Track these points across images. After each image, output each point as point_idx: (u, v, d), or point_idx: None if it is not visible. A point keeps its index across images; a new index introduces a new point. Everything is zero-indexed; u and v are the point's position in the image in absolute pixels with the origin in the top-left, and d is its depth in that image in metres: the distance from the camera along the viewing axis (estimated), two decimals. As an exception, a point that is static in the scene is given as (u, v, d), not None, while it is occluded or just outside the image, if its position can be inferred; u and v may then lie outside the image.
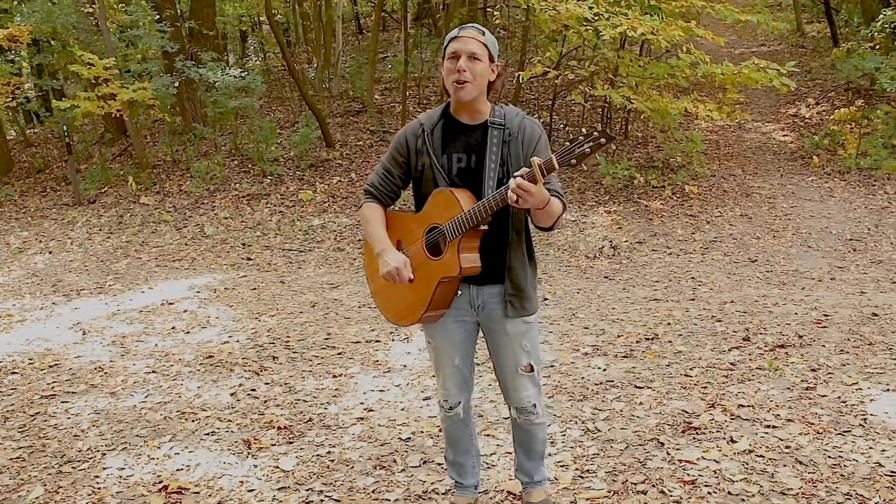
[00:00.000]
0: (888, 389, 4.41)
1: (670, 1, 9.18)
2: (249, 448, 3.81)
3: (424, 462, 3.63)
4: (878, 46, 14.54)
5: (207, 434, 3.99)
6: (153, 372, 4.98)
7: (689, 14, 10.57)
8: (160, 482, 3.49)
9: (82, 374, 5.01)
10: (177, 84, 11.39)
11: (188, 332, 5.90)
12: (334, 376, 4.82)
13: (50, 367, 5.21)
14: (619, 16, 8.68)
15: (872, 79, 13.40)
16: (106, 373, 5.02)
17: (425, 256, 2.72)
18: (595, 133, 2.34)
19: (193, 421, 4.17)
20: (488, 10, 17.40)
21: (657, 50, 14.04)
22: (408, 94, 14.15)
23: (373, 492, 3.37)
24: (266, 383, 4.72)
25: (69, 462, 3.75)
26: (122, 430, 4.11)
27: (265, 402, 4.42)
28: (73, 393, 4.68)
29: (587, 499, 3.27)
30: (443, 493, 3.34)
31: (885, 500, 3.25)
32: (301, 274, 8.21)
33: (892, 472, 3.50)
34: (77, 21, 12.30)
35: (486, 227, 2.66)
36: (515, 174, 2.41)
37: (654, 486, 3.38)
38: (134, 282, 7.81)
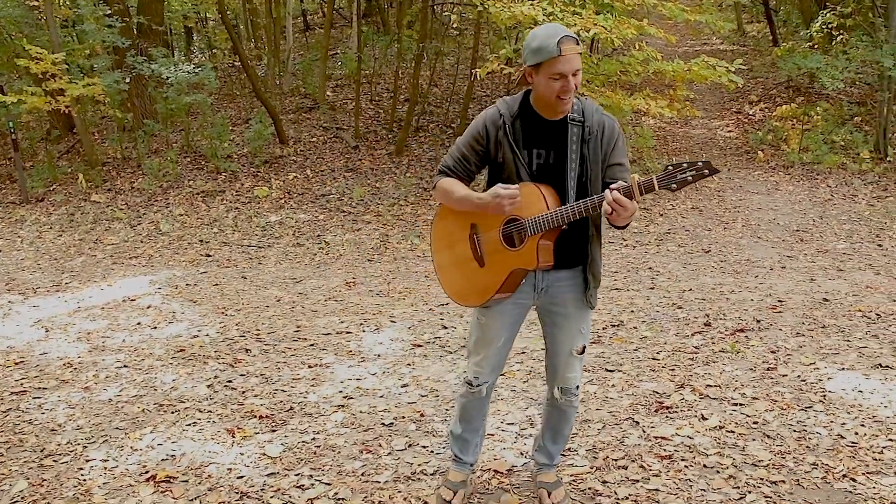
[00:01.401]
0: (843, 368, 4.64)
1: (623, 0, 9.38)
2: (233, 437, 3.84)
3: (410, 445, 3.71)
4: (816, 46, 15.07)
5: (189, 425, 4.00)
6: (125, 366, 4.94)
7: (640, 13, 10.83)
8: (146, 472, 3.50)
9: (51, 371, 4.94)
10: (127, 80, 11.20)
11: (155, 328, 5.86)
12: (309, 366, 4.86)
13: (16, 363, 5.12)
14: (573, 16, 8.84)
15: (812, 77, 13.89)
16: (76, 368, 4.96)
17: (501, 245, 2.77)
18: (700, 163, 2.39)
19: (173, 412, 4.17)
20: (436, 5, 17.49)
21: (606, 48, 14.32)
22: (360, 90, 14.15)
23: (362, 474, 3.43)
24: (242, 375, 4.73)
25: (49, 456, 3.72)
26: (100, 423, 4.08)
27: (243, 392, 4.44)
28: (44, 389, 4.63)
29: (571, 475, 3.39)
30: (431, 475, 3.42)
31: (848, 468, 3.44)
32: (262, 269, 8.19)
33: (853, 442, 3.71)
34: (21, 14, 12.00)
35: (566, 227, 2.70)
36: (612, 186, 2.46)
37: (633, 461, 3.52)
38: (91, 279, 7.69)
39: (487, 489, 3.28)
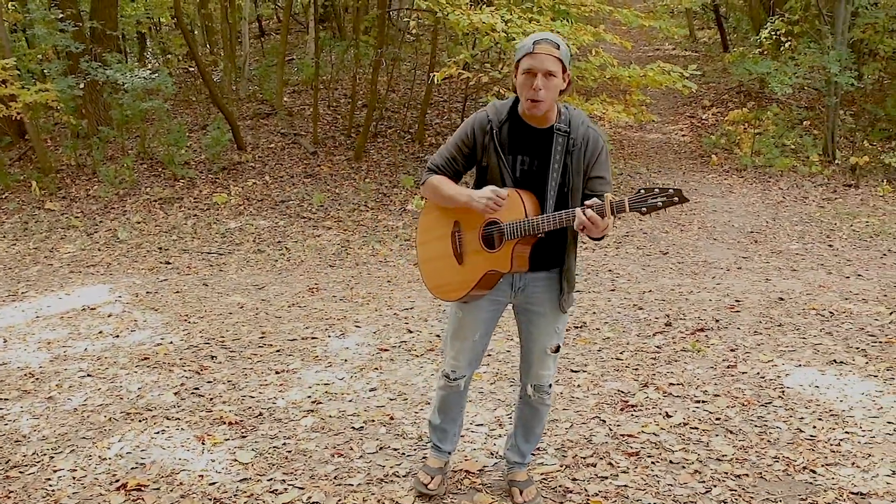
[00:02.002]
0: (800, 365, 4.78)
1: (579, 6, 9.53)
2: (203, 444, 3.82)
3: (381, 448, 3.73)
4: (765, 52, 15.47)
5: (158, 432, 3.97)
6: (89, 375, 4.88)
7: (596, 19, 11.00)
8: (117, 481, 3.47)
9: (12, 381, 4.85)
10: (81, 85, 11.03)
11: (117, 336, 5.79)
12: (276, 372, 4.85)
13: (-26, 375, 5.02)
14: (531, 22, 8.95)
15: (762, 82, 14.25)
16: (37, 378, 4.88)
17: (479, 245, 2.87)
18: (671, 190, 2.45)
19: (140, 421, 4.13)
20: (391, 11, 17.52)
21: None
22: (318, 96, 14.12)
23: (335, 478, 3.45)
24: (209, 382, 4.70)
25: (15, 467, 3.67)
26: (66, 433, 4.03)
27: (211, 399, 4.41)
28: (5, 399, 4.54)
29: (542, 473, 3.45)
30: (403, 476, 3.45)
31: (808, 461, 3.56)
32: (224, 276, 8.13)
33: (812, 436, 3.83)
34: (-32, 19, 11.73)
35: (542, 235, 2.78)
36: (586, 203, 2.54)
37: (601, 458, 3.59)
38: (49, 288, 7.55)
39: (460, 489, 3.32)
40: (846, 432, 3.87)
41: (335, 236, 9.66)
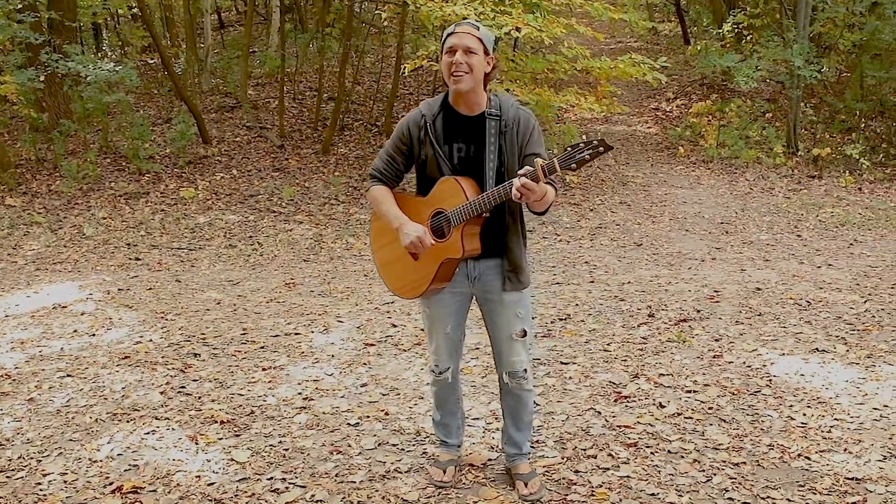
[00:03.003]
0: (783, 354, 4.86)
1: (550, -1, 9.56)
2: (196, 443, 3.75)
3: (379, 444, 3.70)
4: (727, 45, 15.68)
5: (148, 433, 3.88)
6: (68, 375, 4.75)
7: (566, 12, 11.03)
8: (111, 483, 3.38)
9: (-12, 383, 4.71)
10: (41, 78, 10.74)
11: (93, 335, 5.65)
12: (263, 369, 4.78)
13: (-53, 377, 4.86)
14: (503, 15, 8.94)
15: (725, 74, 14.44)
16: (15, 379, 4.74)
17: (430, 238, 2.92)
18: (594, 142, 2.56)
19: (128, 421, 4.04)
20: (355, 3, 17.36)
21: (525, 45, 14.52)
22: (284, 89, 13.95)
23: (336, 475, 3.41)
24: (194, 380, 4.62)
25: (2, 472, 3.56)
26: (51, 435, 3.92)
27: (199, 398, 4.33)
28: (-18, 402, 4.41)
29: (544, 466, 3.45)
30: (406, 472, 3.42)
31: (802, 448, 3.62)
32: (196, 272, 7.99)
33: (803, 423, 3.90)
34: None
35: (487, 215, 2.87)
36: (519, 172, 2.62)
37: (601, 450, 3.61)
38: (15, 286, 7.35)
39: (464, 484, 3.30)
40: (835, 419, 3.94)
41: (307, 230, 9.56)
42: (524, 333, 3.06)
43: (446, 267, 2.94)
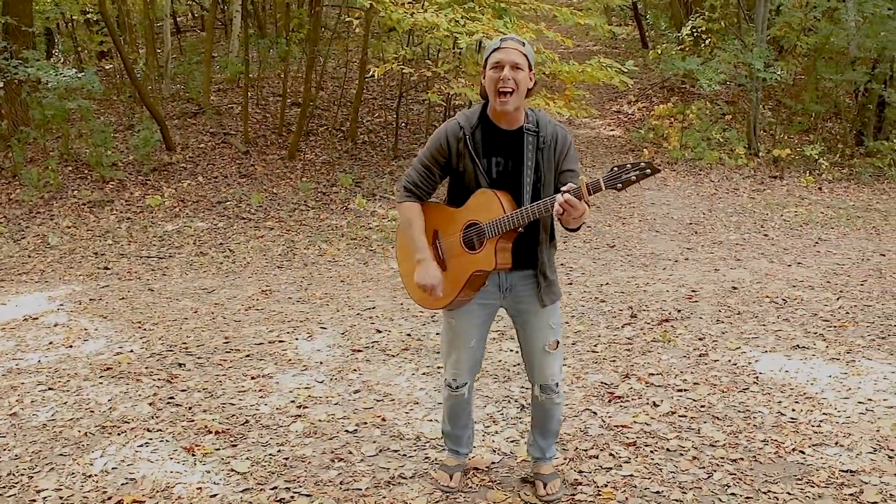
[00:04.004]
0: (766, 351, 4.96)
1: (519, 4, 9.61)
2: (193, 455, 3.69)
3: (381, 451, 3.69)
4: (685, 49, 15.94)
5: (141, 445, 3.81)
6: (50, 389, 4.64)
7: (535, 17, 11.11)
8: (109, 498, 3.31)
9: (-34, 398, 4.58)
10: (1, 84, 10.48)
11: (71, 346, 5.53)
12: (252, 378, 4.72)
13: (-79, 393, 4.71)
14: (473, 22, 8.97)
15: (685, 77, 14.68)
16: (-6, 394, 4.62)
17: (461, 249, 2.92)
18: (642, 163, 2.55)
19: (119, 434, 3.96)
20: (317, 8, 17.25)
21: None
22: (248, 94, 13.81)
23: (340, 483, 3.38)
24: (182, 390, 4.54)
25: (-7, 488, 3.46)
26: (39, 450, 3.82)
27: (190, 408, 4.26)
28: (-37, 418, 4.28)
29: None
30: (410, 478, 3.41)
31: (795, 443, 3.69)
32: (169, 281, 7.87)
33: (793, 418, 3.98)
34: None
35: (522, 230, 2.85)
36: (563, 189, 2.59)
37: (602, 450, 3.64)
38: (-19, 299, 7.16)
39: (471, 488, 3.31)
40: (824, 414, 4.03)
41: (279, 237, 9.48)
42: (557, 345, 3.06)
43: (475, 280, 2.92)
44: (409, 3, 9.36)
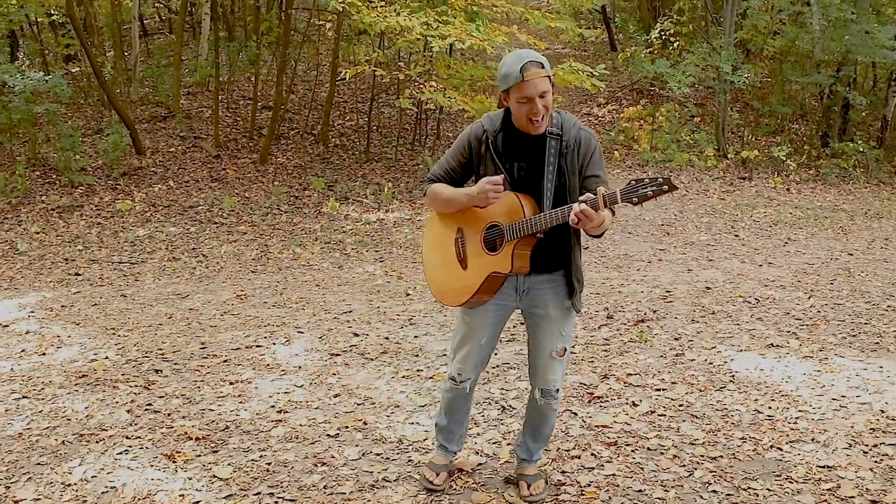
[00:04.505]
0: (741, 350, 5.03)
1: (491, 7, 9.65)
2: (174, 461, 3.66)
3: (363, 454, 3.68)
4: (654, 52, 16.11)
5: (120, 453, 3.77)
6: (24, 397, 4.57)
7: (507, 20, 11.16)
8: (90, 507, 3.28)
9: (-63, 408, 4.49)
10: (-35, 88, 10.31)
11: (44, 354, 5.45)
12: (231, 383, 4.69)
13: None
14: (446, 26, 8.99)
15: (654, 80, 14.83)
16: (-34, 403, 4.54)
17: (482, 249, 2.93)
18: (660, 179, 2.53)
19: (98, 442, 3.91)
20: (285, 12, 17.16)
21: (463, 51, 14.63)
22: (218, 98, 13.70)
23: (324, 487, 3.37)
24: (160, 397, 4.50)
25: (-32, 499, 3.41)
26: (16, 459, 3.76)
27: (168, 415, 4.23)
28: (-66, 428, 4.20)
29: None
30: (394, 481, 3.41)
31: (772, 440, 3.76)
32: (141, 286, 7.78)
33: (770, 416, 4.04)
34: None
35: (542, 236, 2.84)
36: (580, 199, 2.59)
37: (584, 450, 3.67)
38: (-51, 306, 7.03)
39: (455, 489, 3.32)
40: (799, 411, 4.10)
41: (252, 241, 9.42)
42: (564, 352, 3.07)
43: (492, 280, 2.91)
44: (381, 6, 9.36)
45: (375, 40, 12.98)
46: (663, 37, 15.52)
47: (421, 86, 10.06)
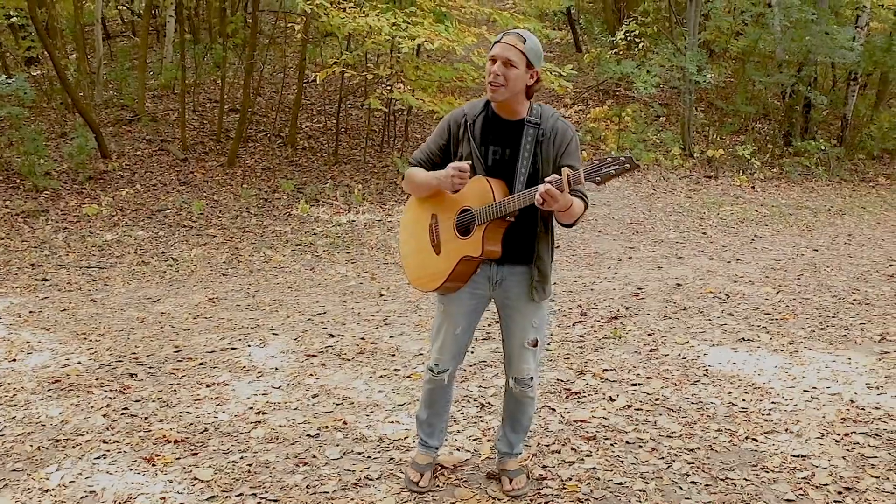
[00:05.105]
0: (713, 344, 5.12)
1: (459, 8, 9.69)
2: (154, 465, 3.63)
3: (345, 454, 3.68)
4: (619, 52, 16.28)
5: (98, 458, 3.73)
6: (-4, 404, 4.50)
7: (476, 21, 11.21)
8: (69, 512, 3.24)
9: None
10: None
11: (14, 360, 5.36)
12: (207, 386, 4.66)
13: None
14: (415, 27, 9.01)
15: (620, 80, 14.98)
16: (-64, 411, 4.45)
17: (454, 234, 2.97)
18: (622, 158, 2.59)
19: (74, 447, 3.86)
20: (249, 14, 17.06)
21: (431, 52, 14.67)
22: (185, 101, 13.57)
23: (307, 487, 3.37)
24: (136, 401, 4.45)
25: (-57, 508, 3.35)
26: (-10, 466, 3.71)
27: (146, 418, 4.19)
28: None
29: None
30: (377, 479, 3.42)
31: (748, 431, 3.83)
32: (111, 291, 7.68)
33: (744, 408, 4.12)
34: None
35: (512, 219, 2.88)
36: (546, 179, 2.64)
37: (563, 444, 3.71)
38: (-88, 314, 6.88)
39: (438, 486, 3.33)
40: (772, 402, 4.18)
41: (222, 244, 9.35)
42: (536, 343, 3.11)
43: (465, 265, 2.95)
44: (350, 7, 9.35)
45: (343, 42, 12.96)
46: (628, 38, 15.71)
47: (389, 87, 10.05)
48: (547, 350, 5.09)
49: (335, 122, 13.63)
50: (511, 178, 2.91)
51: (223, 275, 8.39)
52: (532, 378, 3.16)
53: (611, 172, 2.61)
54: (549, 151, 2.90)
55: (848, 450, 3.61)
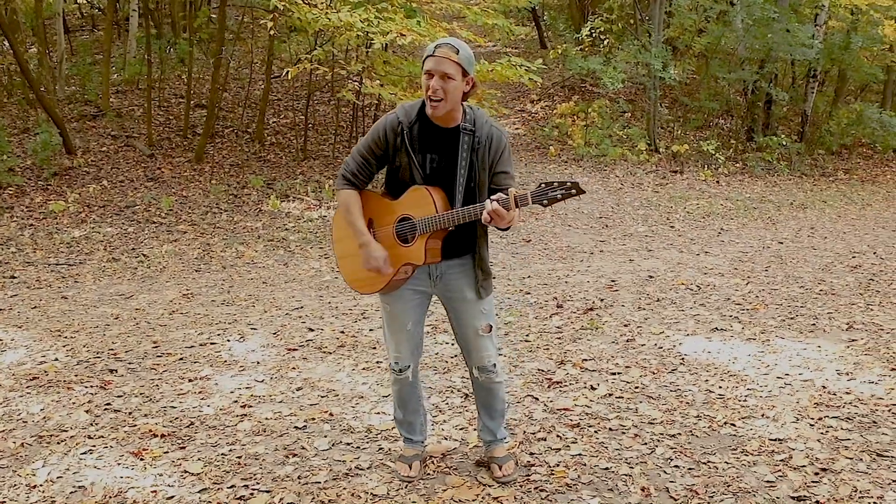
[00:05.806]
0: (688, 334, 5.24)
1: (429, 3, 9.72)
2: (142, 459, 3.63)
3: (334, 444, 3.72)
4: (584, 49, 16.45)
5: (84, 453, 3.71)
6: (-26, 401, 4.45)
7: (444, 16, 11.25)
8: (59, 507, 3.23)
9: None
10: None
11: (-12, 358, 5.30)
12: (189, 380, 4.66)
13: None
14: (387, 22, 9.02)
15: (586, 76, 15.15)
16: (-88, 410, 4.39)
17: (393, 240, 3.00)
18: (569, 183, 2.68)
19: (59, 443, 3.84)
20: (223, 9, 16.92)
21: (401, 47, 14.68)
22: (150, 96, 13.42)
23: (298, 478, 3.40)
24: (118, 396, 4.44)
25: (-72, 505, 3.32)
26: (-26, 463, 3.68)
27: (130, 413, 4.18)
28: None
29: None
30: (367, 468, 3.46)
31: (725, 417, 3.95)
32: (82, 288, 7.60)
33: (721, 395, 4.24)
34: None
35: (452, 229, 2.95)
36: (492, 198, 2.69)
37: (549, 432, 3.79)
38: None
39: (429, 475, 3.38)
40: (748, 389, 4.30)
41: (193, 240, 9.28)
42: (490, 328, 3.16)
43: (405, 270, 3.03)
44: (320, 2, 9.34)
45: (311, 38, 12.91)
46: (594, 35, 15.88)
47: (359, 82, 10.06)
48: (526, 341, 5.17)
49: (303, 117, 13.59)
50: (450, 185, 2.96)
51: (196, 270, 8.34)
52: (495, 364, 3.22)
53: (557, 197, 2.72)
54: (486, 158, 2.95)
55: (822, 433, 3.73)
